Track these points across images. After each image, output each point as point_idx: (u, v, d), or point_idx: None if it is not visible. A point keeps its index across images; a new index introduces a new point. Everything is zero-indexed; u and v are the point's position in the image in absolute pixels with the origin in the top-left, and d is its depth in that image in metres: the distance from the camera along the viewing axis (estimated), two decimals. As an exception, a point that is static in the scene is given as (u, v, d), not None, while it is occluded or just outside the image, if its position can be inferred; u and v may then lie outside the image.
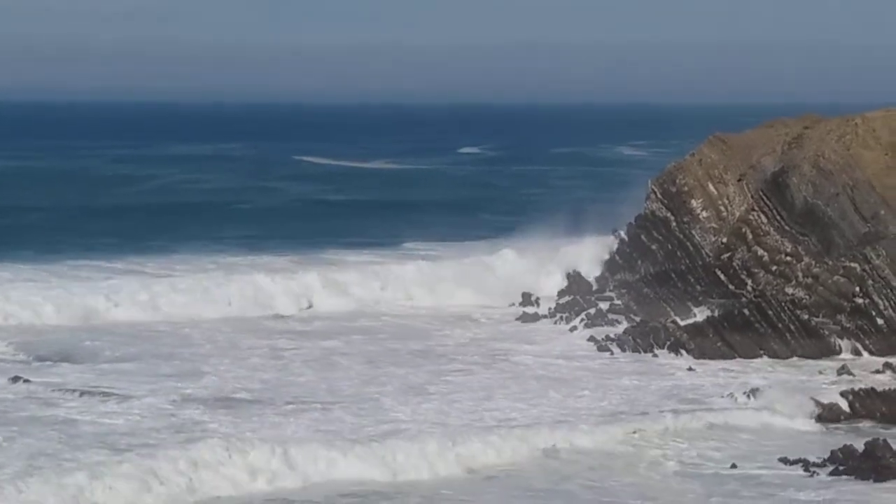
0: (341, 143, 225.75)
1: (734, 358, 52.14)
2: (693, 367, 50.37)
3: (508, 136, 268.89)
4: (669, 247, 61.20)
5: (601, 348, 53.56)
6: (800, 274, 55.00)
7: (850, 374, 49.06)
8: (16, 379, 45.13)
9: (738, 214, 59.21)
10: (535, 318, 60.55)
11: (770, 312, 52.99)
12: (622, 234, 65.57)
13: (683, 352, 52.57)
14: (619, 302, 61.26)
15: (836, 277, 53.70)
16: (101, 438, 37.92)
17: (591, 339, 54.82)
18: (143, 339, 53.87)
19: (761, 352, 52.59)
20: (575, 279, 65.55)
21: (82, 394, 43.32)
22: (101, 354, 50.53)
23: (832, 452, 37.77)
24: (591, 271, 66.13)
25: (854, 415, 43.24)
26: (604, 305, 60.90)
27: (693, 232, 60.40)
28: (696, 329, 53.76)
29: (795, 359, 52.21)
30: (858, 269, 53.35)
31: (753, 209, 58.19)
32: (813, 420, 42.60)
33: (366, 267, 68.81)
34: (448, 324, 59.34)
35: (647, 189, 63.34)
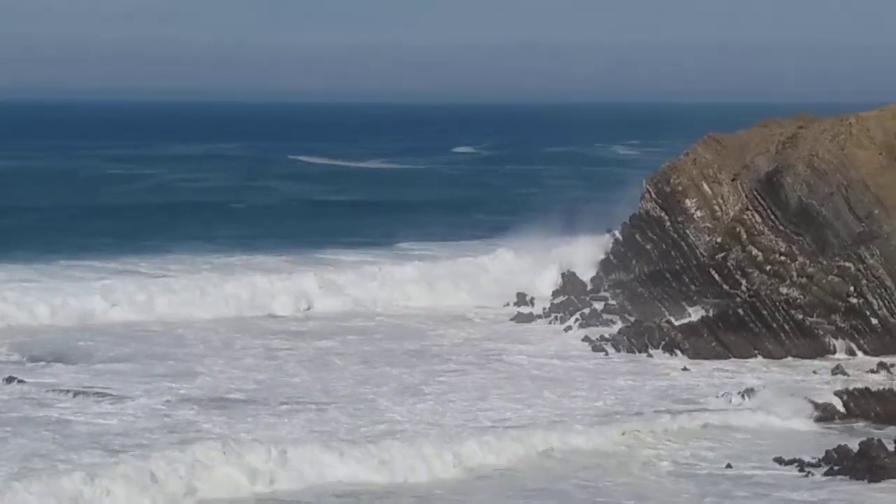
0: (338, 143, 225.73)
1: (729, 358, 52.17)
2: (688, 367, 50.40)
3: (504, 136, 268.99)
4: (664, 246, 61.22)
5: (596, 348, 53.56)
6: (794, 274, 55.03)
7: (844, 373, 49.07)
8: (10, 379, 45.10)
9: (732, 214, 59.21)
10: (530, 318, 60.55)
11: (764, 312, 53.01)
12: (617, 233, 65.57)
13: (678, 352, 52.58)
14: (613, 302, 61.30)
15: (830, 277, 53.72)
16: (94, 439, 37.92)
17: (586, 339, 54.81)
18: (137, 340, 53.85)
19: (756, 352, 52.61)
20: (569, 279, 65.57)
21: (76, 394, 43.30)
22: (95, 355, 50.52)
23: (827, 452, 37.79)
24: (585, 271, 66.15)
25: (849, 415, 43.21)
26: (598, 305, 60.94)
27: (687, 231, 60.41)
28: (690, 329, 53.77)
29: (790, 359, 52.23)
30: (853, 268, 53.38)
31: (748, 209, 58.21)
32: (807, 420, 42.59)
33: (361, 267, 68.79)
34: (443, 324, 59.34)
35: (641, 188, 63.36)
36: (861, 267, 53.25)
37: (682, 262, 60.03)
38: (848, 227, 54.67)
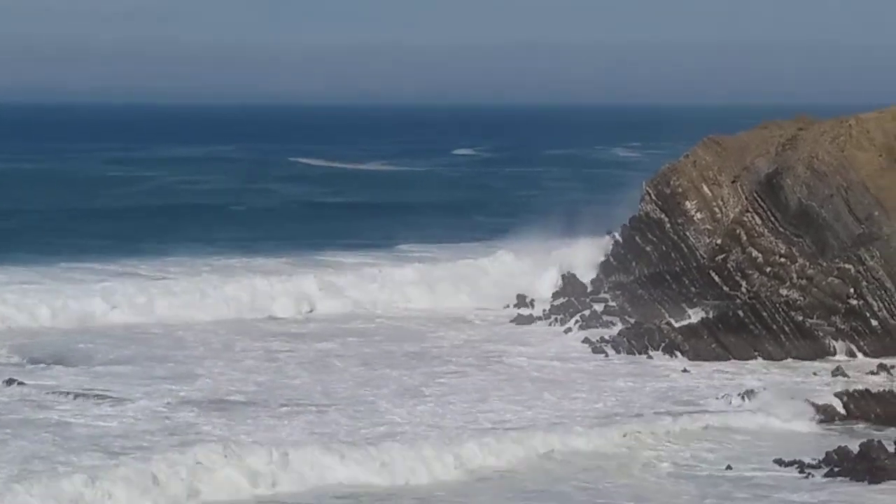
0: (338, 145, 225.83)
1: (729, 359, 52.16)
2: (688, 368, 50.41)
3: (504, 138, 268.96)
4: (664, 248, 61.24)
5: (596, 350, 53.57)
6: (794, 275, 55.04)
7: (844, 375, 49.10)
8: (10, 381, 45.09)
9: (732, 216, 59.23)
10: (530, 319, 60.55)
11: (764, 314, 53.01)
12: (616, 235, 65.58)
13: (678, 353, 52.57)
14: (613, 303, 61.29)
15: (830, 279, 53.73)
16: (94, 441, 37.91)
17: (586, 340, 54.81)
18: (137, 342, 53.85)
19: (756, 353, 52.61)
20: (569, 281, 65.58)
21: (76, 396, 43.32)
22: (96, 357, 50.52)
23: (827, 454, 37.79)
24: (585, 273, 66.16)
25: (849, 416, 43.19)
26: (598, 307, 60.94)
27: (687, 233, 60.43)
28: (690, 330, 53.77)
29: (790, 360, 52.23)
30: (853, 270, 53.39)
31: (748, 210, 58.23)
32: (808, 421, 42.59)
33: (361, 269, 68.81)
34: (443, 325, 59.35)
35: (641, 190, 63.39)
36: (861, 268, 53.26)
37: (682, 263, 60.05)
38: (848, 229, 54.69)
